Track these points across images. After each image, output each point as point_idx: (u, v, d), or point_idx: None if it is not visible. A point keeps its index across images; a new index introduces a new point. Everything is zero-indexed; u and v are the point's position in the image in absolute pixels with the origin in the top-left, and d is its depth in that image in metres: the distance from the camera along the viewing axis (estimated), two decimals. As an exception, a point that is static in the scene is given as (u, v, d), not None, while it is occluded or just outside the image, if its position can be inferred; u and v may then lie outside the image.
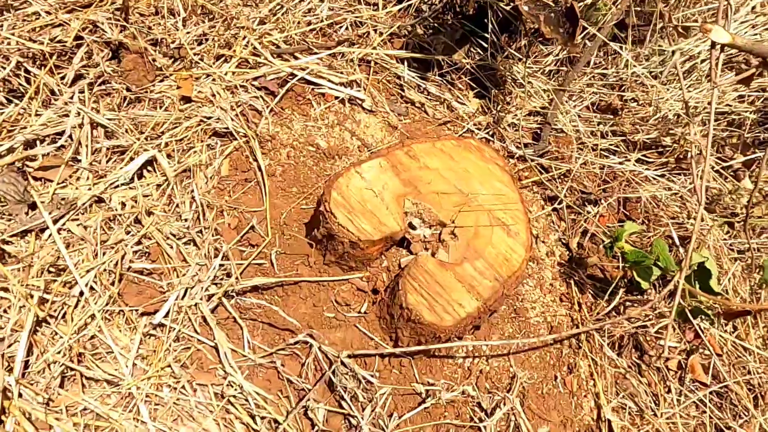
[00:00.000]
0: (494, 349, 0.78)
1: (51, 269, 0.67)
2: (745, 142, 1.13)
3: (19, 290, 0.63)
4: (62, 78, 0.80)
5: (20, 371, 0.61)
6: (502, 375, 0.77)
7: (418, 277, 0.67)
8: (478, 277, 0.69)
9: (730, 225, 1.06)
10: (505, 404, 0.74)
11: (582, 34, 1.02)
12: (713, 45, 0.82)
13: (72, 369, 0.63)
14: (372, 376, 0.69)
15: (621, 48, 1.06)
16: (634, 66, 1.06)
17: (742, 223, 1.00)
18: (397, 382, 0.71)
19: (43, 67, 0.79)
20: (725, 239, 1.03)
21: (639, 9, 1.10)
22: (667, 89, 1.10)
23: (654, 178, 1.04)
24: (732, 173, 1.12)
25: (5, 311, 0.64)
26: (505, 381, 0.77)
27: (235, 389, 0.67)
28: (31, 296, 0.64)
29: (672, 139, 1.08)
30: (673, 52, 1.10)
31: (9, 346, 0.62)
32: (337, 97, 0.92)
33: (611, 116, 1.08)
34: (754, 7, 1.22)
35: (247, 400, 0.66)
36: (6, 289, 0.64)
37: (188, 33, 0.89)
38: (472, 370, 0.75)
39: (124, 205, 0.74)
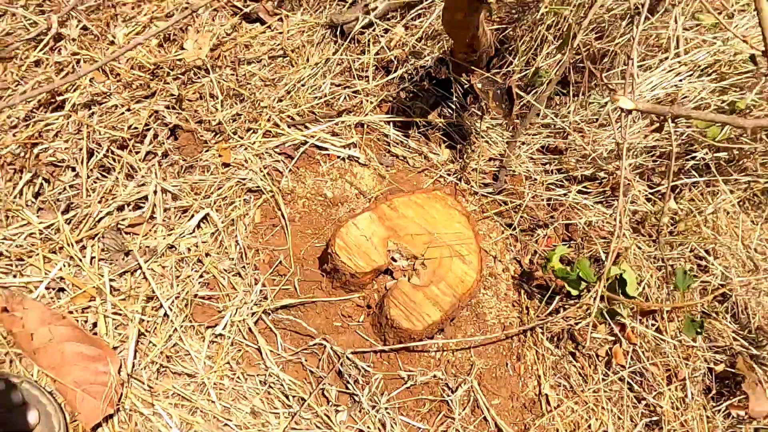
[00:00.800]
0: (459, 344, 1.06)
1: (144, 298, 0.97)
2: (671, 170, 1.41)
3: (126, 314, 0.93)
4: (138, 155, 1.10)
5: (131, 369, 0.91)
6: (465, 363, 1.06)
7: (397, 296, 0.96)
8: (440, 295, 0.98)
9: (654, 241, 1.34)
10: (466, 384, 1.03)
11: (519, 107, 1.30)
12: (621, 111, 1.10)
13: (164, 366, 0.93)
14: (368, 366, 0.98)
15: (560, 104, 1.34)
16: (564, 119, 1.34)
17: (662, 237, 1.28)
18: (387, 370, 1.00)
19: (124, 149, 1.09)
20: (650, 253, 1.31)
21: (580, 65, 1.38)
22: (604, 130, 1.38)
23: (591, 206, 1.32)
24: (659, 196, 1.40)
25: (117, 328, 0.93)
26: (466, 367, 1.06)
27: (274, 378, 0.96)
28: (134, 318, 0.93)
29: (606, 172, 1.36)
30: (606, 103, 1.38)
31: (120, 352, 0.92)
32: (338, 156, 1.21)
33: (557, 156, 1.36)
34: (678, 53, 1.48)
35: (282, 385, 0.96)
36: (118, 314, 0.94)
37: (225, 113, 1.19)
38: (441, 360, 1.04)
39: (189, 249, 1.03)
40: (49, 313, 0.89)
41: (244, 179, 1.13)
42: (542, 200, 1.30)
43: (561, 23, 1.31)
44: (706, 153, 1.38)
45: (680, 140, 1.41)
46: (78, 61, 1.16)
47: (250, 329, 0.99)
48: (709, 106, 1.42)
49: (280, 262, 1.05)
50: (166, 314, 0.96)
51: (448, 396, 1.01)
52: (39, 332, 0.87)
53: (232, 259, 1.04)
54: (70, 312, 0.92)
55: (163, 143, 1.12)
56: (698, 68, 1.47)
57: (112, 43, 1.22)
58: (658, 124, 1.17)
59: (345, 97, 1.28)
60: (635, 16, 1.29)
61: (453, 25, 1.06)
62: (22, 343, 0.87)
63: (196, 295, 0.99)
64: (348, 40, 1.32)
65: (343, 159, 1.21)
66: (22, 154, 1.04)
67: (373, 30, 1.33)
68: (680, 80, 1.46)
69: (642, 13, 1.12)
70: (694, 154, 1.39)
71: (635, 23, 1.25)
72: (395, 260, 1.01)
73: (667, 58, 1.44)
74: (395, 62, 1.32)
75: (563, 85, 1.38)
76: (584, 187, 1.34)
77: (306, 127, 1.21)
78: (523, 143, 1.35)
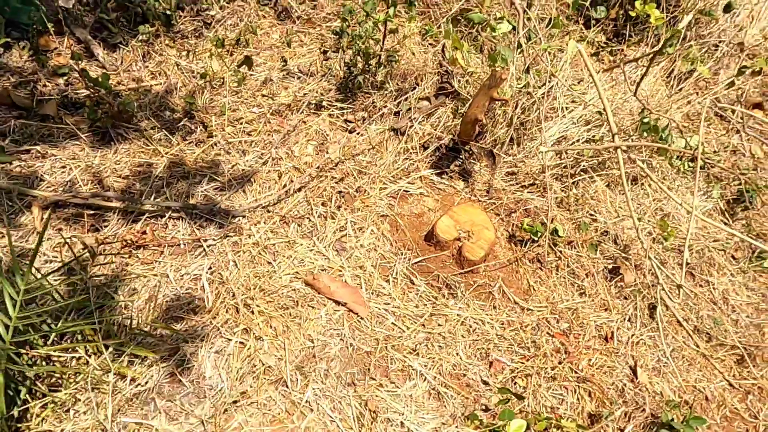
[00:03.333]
0: (492, 267, 2.37)
1: (359, 267, 2.23)
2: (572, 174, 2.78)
3: (358, 275, 2.20)
4: (331, 208, 2.36)
5: (366, 295, 2.17)
6: (495, 275, 2.36)
7: (465, 247, 2.26)
8: (482, 244, 2.29)
9: (568, 210, 2.69)
10: (497, 283, 2.34)
11: (496, 160, 2.65)
12: (541, 152, 2.46)
13: (376, 292, 2.19)
14: (459, 279, 2.27)
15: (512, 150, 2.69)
16: (514, 157, 2.69)
17: (572, 207, 2.63)
18: (465, 280, 2.29)
19: (325, 206, 2.35)
20: (567, 216, 2.67)
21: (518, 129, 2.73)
22: (533, 159, 2.74)
23: (534, 198, 2.66)
24: (567, 187, 2.76)
25: (354, 280, 2.19)
26: (496, 276, 2.36)
27: (422, 289, 2.23)
28: (361, 276, 2.20)
29: (538, 180, 2.71)
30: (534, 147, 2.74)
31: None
32: (415, 194, 2.50)
33: (514, 176, 2.70)
34: (564, 115, 2.86)
35: (425, 291, 2.23)
36: (355, 276, 2.20)
37: (359, 182, 2.46)
38: (486, 274, 2.34)
39: (369, 244, 2.30)
40: (329, 277, 2.15)
41: (377, 211, 2.41)
42: (511, 199, 2.64)
43: (507, 113, 2.66)
44: (586, 162, 2.76)
45: (572, 158, 2.79)
46: (288, 170, 2.42)
47: (404, 272, 2.27)
48: (583, 137, 2.81)
49: (408, 243, 2.34)
50: (371, 272, 2.23)
51: (491, 289, 2.32)
52: (331, 285, 2.12)
53: (387, 245, 2.32)
54: (336, 276, 2.18)
55: (339, 200, 2.39)
56: (575, 120, 2.86)
57: (293, 154, 2.48)
58: (558, 154, 2.53)
59: (408, 165, 2.59)
60: (540, 105, 2.65)
61: (468, 122, 2.39)
62: (324, 291, 2.12)
63: (377, 263, 2.26)
64: (403, 135, 2.63)
65: (418, 195, 2.51)
66: (280, 213, 2.29)
67: (414, 129, 2.64)
68: (568, 126, 2.84)
69: (543, 107, 2.48)
70: (582, 164, 2.77)
71: (541, 110, 2.60)
72: (461, 233, 2.32)
73: (560, 116, 2.82)
74: (429, 142, 2.64)
75: (511, 140, 2.73)
76: (529, 190, 2.69)
77: (397, 183, 2.51)
78: (497, 173, 2.69)
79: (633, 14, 3.13)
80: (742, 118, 3.29)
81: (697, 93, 3.28)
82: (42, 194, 2.06)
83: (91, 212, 2.11)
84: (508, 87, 2.55)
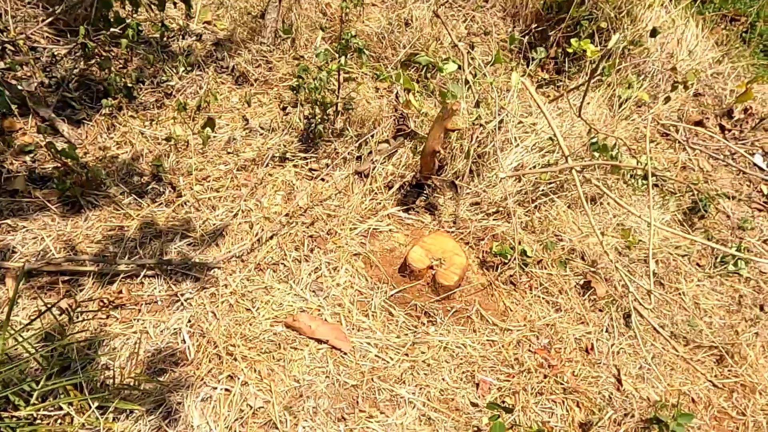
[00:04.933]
0: (467, 291, 2.42)
1: (338, 303, 2.26)
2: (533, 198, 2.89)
3: (337, 312, 2.22)
4: (304, 252, 2.40)
5: (347, 331, 2.19)
6: (471, 299, 2.41)
7: (439, 273, 2.32)
8: (455, 270, 2.35)
9: (533, 232, 2.79)
10: (474, 306, 2.38)
11: (458, 190, 2.75)
12: (500, 178, 2.57)
13: (356, 328, 2.22)
14: (437, 305, 2.32)
15: (473, 180, 2.80)
16: (476, 186, 2.80)
17: (537, 229, 2.72)
18: (442, 306, 2.34)
19: (297, 250, 2.40)
20: (533, 237, 2.76)
21: (476, 160, 2.85)
22: (494, 188, 2.85)
23: (500, 225, 2.76)
24: (529, 211, 2.87)
25: (333, 317, 2.21)
26: (472, 300, 2.41)
27: (400, 319, 2.27)
28: (340, 313, 2.23)
29: (501, 207, 2.81)
30: (494, 175, 2.85)
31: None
32: (385, 231, 2.57)
33: (477, 205, 2.80)
34: (518, 144, 3.00)
35: (404, 321, 2.26)
36: (335, 313, 2.22)
37: (329, 224, 2.53)
38: (462, 299, 2.39)
39: (345, 282, 2.34)
40: (309, 317, 2.17)
41: (350, 250, 2.46)
42: (478, 227, 2.72)
43: (464, 146, 2.79)
44: (545, 186, 2.88)
45: (532, 183, 2.91)
46: (259, 220, 2.47)
47: (382, 305, 2.30)
48: (538, 163, 2.93)
49: (383, 277, 2.39)
50: (349, 309, 2.26)
51: (469, 313, 2.36)
52: (312, 325, 2.14)
53: (363, 281, 2.36)
54: (316, 315, 2.20)
55: (311, 244, 2.44)
56: (529, 148, 3.00)
57: (263, 205, 2.54)
58: (518, 178, 2.64)
59: (375, 205, 2.67)
60: (493, 137, 2.78)
61: (427, 155, 2.49)
62: (305, 331, 2.14)
63: (355, 298, 2.30)
64: (367, 177, 2.72)
65: (388, 231, 2.58)
66: (254, 261, 2.32)
67: (377, 170, 2.74)
68: (523, 155, 2.97)
69: (496, 137, 2.61)
70: (541, 188, 2.89)
71: (495, 141, 2.74)
72: (433, 261, 2.38)
73: (514, 146, 2.96)
74: (393, 182, 2.73)
75: (471, 172, 2.84)
76: (494, 217, 2.78)
77: (366, 222, 2.58)
78: (465, 203, 2.78)
79: (570, 51, 3.34)
80: (686, 136, 3.48)
81: (639, 115, 3.48)
82: (14, 265, 2.07)
83: (66, 278, 2.12)
84: (461, 121, 2.68)
